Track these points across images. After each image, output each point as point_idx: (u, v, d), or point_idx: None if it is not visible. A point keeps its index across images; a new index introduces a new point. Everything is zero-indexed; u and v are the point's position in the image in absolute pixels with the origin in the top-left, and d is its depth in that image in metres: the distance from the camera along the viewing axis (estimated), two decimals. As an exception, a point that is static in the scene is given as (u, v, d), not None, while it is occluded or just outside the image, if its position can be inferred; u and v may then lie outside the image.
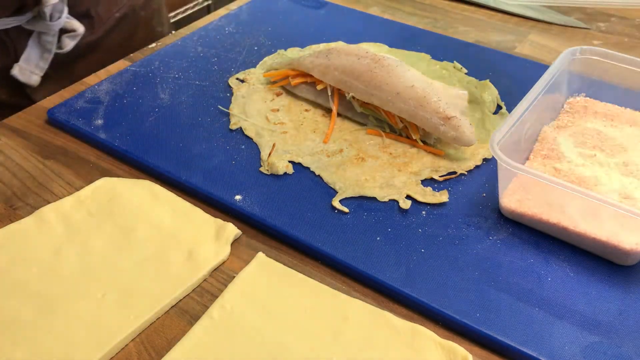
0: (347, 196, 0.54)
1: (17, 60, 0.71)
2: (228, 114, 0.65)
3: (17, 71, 0.71)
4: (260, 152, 0.60)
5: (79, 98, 0.67)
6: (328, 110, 0.65)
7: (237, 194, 0.55)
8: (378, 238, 0.51)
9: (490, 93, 0.68)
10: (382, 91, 0.59)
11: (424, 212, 0.53)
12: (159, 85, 0.69)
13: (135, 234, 0.51)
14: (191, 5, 2.13)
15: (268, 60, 0.74)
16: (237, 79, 0.71)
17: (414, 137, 0.59)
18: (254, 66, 0.73)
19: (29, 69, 0.71)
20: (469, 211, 0.54)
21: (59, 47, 0.73)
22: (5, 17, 0.68)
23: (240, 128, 0.63)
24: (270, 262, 0.49)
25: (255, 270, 0.48)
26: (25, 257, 0.49)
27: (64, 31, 0.73)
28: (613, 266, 0.49)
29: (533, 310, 0.45)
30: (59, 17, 0.71)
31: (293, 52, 0.75)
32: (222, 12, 0.88)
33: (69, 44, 0.73)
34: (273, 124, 0.63)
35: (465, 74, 0.72)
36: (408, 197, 0.55)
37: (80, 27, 0.73)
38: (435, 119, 0.57)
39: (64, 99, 0.67)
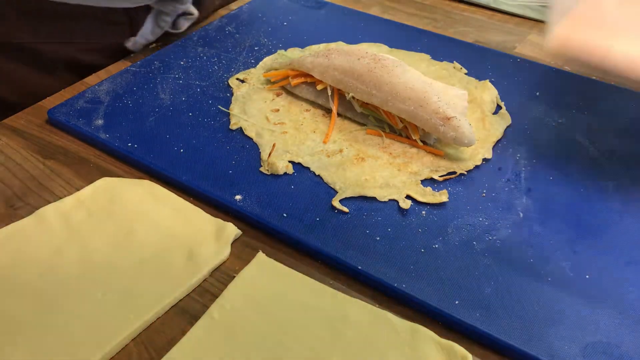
0: (347, 196, 0.55)
1: (127, 36, 0.75)
2: (228, 114, 0.65)
3: (130, 44, 0.75)
4: (260, 152, 0.60)
5: (79, 98, 0.67)
6: (328, 110, 0.65)
7: (237, 194, 0.55)
8: (378, 238, 0.51)
9: (490, 93, 0.68)
10: (382, 91, 0.59)
11: (424, 212, 0.53)
12: (159, 86, 0.69)
13: (135, 234, 0.51)
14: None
15: (268, 61, 0.74)
16: (237, 79, 0.71)
17: (413, 137, 0.59)
18: (254, 66, 0.73)
19: (140, 42, 0.75)
20: (468, 211, 0.54)
21: (175, 27, 0.78)
22: None
23: (240, 128, 0.63)
24: (270, 262, 0.49)
25: (255, 270, 0.48)
26: (25, 257, 0.49)
27: (180, 13, 0.77)
28: (613, 265, 0.49)
29: (533, 310, 0.45)
30: (187, 1, 0.75)
31: (293, 52, 0.75)
32: (222, 12, 0.88)
33: (184, 25, 0.78)
34: (273, 124, 0.63)
35: (465, 74, 0.72)
36: (408, 197, 0.55)
37: (195, 12, 0.78)
38: (435, 120, 0.57)
39: (64, 99, 0.67)
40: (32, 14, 0.65)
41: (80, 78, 0.72)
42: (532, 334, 0.43)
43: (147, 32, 0.76)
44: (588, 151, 0.61)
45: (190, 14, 0.78)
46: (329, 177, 0.57)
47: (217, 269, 0.49)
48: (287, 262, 0.49)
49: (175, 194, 0.55)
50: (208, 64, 0.74)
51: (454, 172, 0.57)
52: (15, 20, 0.65)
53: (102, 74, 0.73)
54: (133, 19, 0.75)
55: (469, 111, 0.65)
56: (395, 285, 0.47)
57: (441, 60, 0.74)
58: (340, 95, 0.63)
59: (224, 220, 0.52)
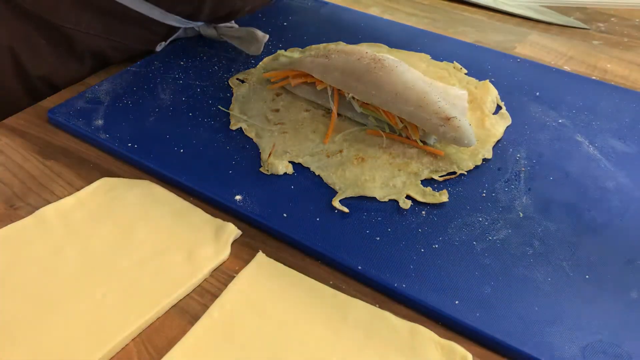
0: (347, 196, 0.55)
1: (158, 43, 0.76)
2: (228, 114, 0.65)
3: (159, 48, 0.77)
4: (260, 152, 0.60)
5: (79, 98, 0.67)
6: (328, 110, 0.65)
7: (237, 194, 0.55)
8: (378, 238, 0.51)
9: (490, 93, 0.68)
10: (382, 91, 0.59)
11: (424, 212, 0.53)
12: (159, 86, 0.69)
13: (135, 234, 0.51)
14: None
15: (268, 61, 0.74)
16: (237, 79, 0.71)
17: (413, 138, 0.59)
18: (254, 66, 0.73)
19: (164, 44, 0.77)
20: (468, 211, 0.54)
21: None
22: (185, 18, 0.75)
23: (240, 128, 0.63)
24: (270, 262, 0.49)
25: (255, 270, 0.48)
26: (25, 257, 0.49)
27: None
28: (613, 265, 0.49)
29: (533, 310, 0.45)
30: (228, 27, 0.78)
31: (293, 52, 0.75)
32: (222, 12, 0.88)
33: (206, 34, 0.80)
34: (273, 124, 0.63)
35: (465, 74, 0.72)
36: (408, 197, 0.55)
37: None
38: (435, 120, 0.57)
39: (64, 99, 0.67)
40: (83, 2, 0.67)
41: (101, 69, 0.75)
42: (532, 334, 0.43)
43: (173, 37, 0.78)
44: (588, 151, 0.61)
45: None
46: (329, 177, 0.57)
47: (217, 269, 0.49)
48: (287, 262, 0.49)
49: (175, 194, 0.55)
50: (208, 64, 0.74)
51: (454, 172, 0.57)
52: (66, 4, 0.66)
53: (102, 74, 0.73)
54: (170, 32, 0.76)
55: (469, 111, 0.65)
56: (395, 285, 0.47)
57: (441, 60, 0.74)
58: (340, 95, 0.63)
59: (224, 220, 0.52)
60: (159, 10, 0.70)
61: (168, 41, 0.77)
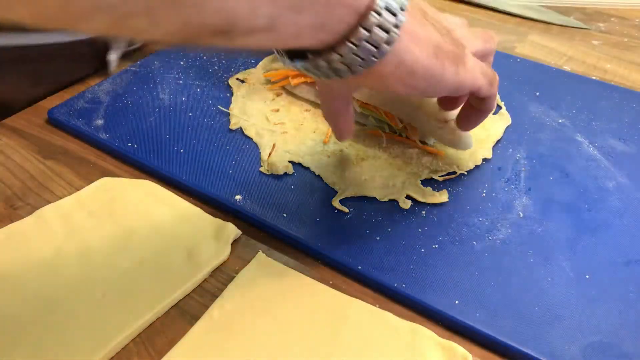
0: (347, 196, 0.54)
1: (93, 66, 0.74)
2: (228, 114, 0.65)
3: (112, 55, 0.73)
4: (260, 152, 0.60)
5: (79, 98, 0.67)
6: (328, 111, 0.65)
7: (237, 194, 0.55)
8: (378, 238, 0.51)
9: (490, 93, 0.67)
10: (382, 91, 0.59)
11: (423, 212, 0.53)
12: (159, 86, 0.69)
13: (135, 234, 0.51)
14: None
15: (268, 61, 0.74)
16: (237, 79, 0.71)
17: (413, 138, 0.59)
18: (254, 66, 0.73)
19: (114, 60, 0.74)
20: (468, 211, 0.54)
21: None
22: None
23: (240, 128, 0.63)
24: (270, 262, 0.49)
25: (255, 270, 0.48)
26: (25, 257, 0.49)
27: None
28: (613, 265, 0.49)
29: (533, 310, 0.45)
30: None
31: (293, 52, 0.75)
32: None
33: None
34: (273, 124, 0.63)
35: (465, 74, 0.72)
36: (408, 197, 0.55)
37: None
38: (433, 121, 0.57)
39: (64, 99, 0.67)
40: (11, 68, 0.65)
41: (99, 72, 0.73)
42: (532, 334, 0.43)
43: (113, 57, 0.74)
44: (588, 151, 0.61)
45: None
46: (329, 177, 0.57)
47: (217, 269, 0.49)
48: (287, 262, 0.49)
49: (175, 194, 0.55)
50: (208, 64, 0.74)
51: (454, 172, 0.57)
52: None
53: (102, 74, 0.73)
54: (99, 50, 0.73)
55: (469, 111, 0.65)
56: (395, 285, 0.47)
57: (441, 60, 0.74)
58: (340, 95, 0.63)
59: (224, 220, 0.52)
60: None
61: (120, 50, 0.73)
